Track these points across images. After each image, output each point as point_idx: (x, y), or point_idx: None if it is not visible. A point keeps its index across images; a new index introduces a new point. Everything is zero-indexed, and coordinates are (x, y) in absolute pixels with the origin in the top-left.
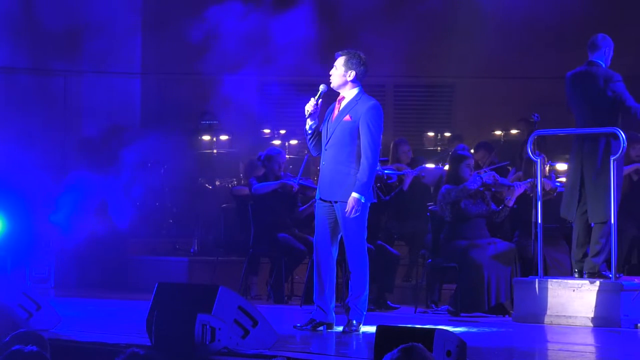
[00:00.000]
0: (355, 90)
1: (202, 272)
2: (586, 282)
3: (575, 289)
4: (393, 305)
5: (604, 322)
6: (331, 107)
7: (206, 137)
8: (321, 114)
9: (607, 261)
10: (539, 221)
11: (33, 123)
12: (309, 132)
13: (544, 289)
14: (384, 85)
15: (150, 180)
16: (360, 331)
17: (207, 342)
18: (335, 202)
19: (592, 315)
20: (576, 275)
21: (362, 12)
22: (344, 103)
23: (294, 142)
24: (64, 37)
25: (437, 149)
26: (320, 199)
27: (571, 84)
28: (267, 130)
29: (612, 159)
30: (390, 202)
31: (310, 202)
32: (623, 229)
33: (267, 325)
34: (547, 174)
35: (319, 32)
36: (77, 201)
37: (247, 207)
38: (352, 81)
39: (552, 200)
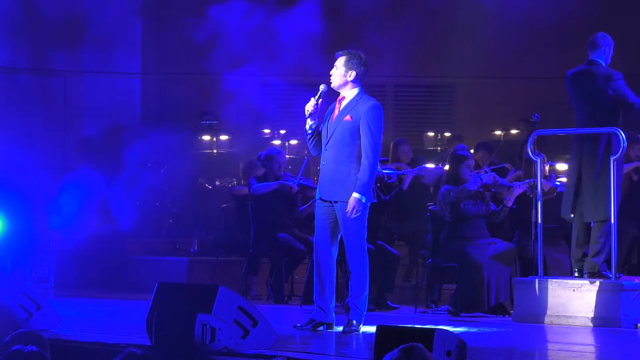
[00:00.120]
0: (355, 91)
1: (202, 272)
2: (586, 282)
3: (575, 289)
4: (393, 305)
5: (604, 322)
6: (331, 107)
7: (206, 137)
8: (321, 114)
9: (607, 261)
10: (539, 221)
11: (33, 123)
12: (309, 131)
13: (544, 289)
14: (384, 85)
15: (150, 180)
16: (360, 331)
17: (207, 342)
18: (336, 202)
19: (592, 315)
20: (576, 275)
21: (362, 12)
22: (344, 103)
23: (294, 142)
24: (64, 36)
25: (437, 149)
26: (320, 198)
27: (571, 83)
28: (267, 130)
29: (612, 159)
30: (390, 202)
31: (310, 202)
32: (623, 229)
33: (267, 325)
34: (547, 174)
35: (319, 31)
36: (76, 201)
37: (247, 207)
38: (352, 81)
39: (552, 200)
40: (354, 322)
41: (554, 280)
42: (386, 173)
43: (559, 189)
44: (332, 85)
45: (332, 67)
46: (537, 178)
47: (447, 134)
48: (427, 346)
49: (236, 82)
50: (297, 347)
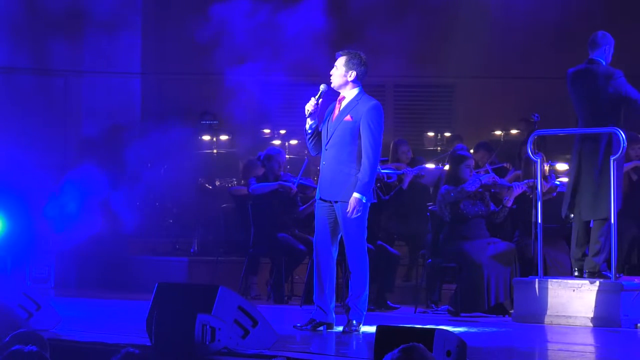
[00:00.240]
0: (355, 91)
1: (202, 272)
2: (586, 282)
3: (575, 289)
4: (393, 305)
5: (604, 322)
6: (331, 107)
7: (206, 137)
8: (321, 113)
9: (607, 261)
10: (539, 221)
11: (33, 123)
12: (309, 131)
13: (544, 289)
14: (384, 85)
15: (150, 180)
16: (360, 331)
17: (207, 342)
18: (336, 202)
19: (592, 315)
20: (576, 274)
21: (361, 13)
22: (344, 103)
23: (294, 142)
24: (64, 36)
25: (437, 149)
26: (321, 198)
27: (572, 81)
28: (267, 130)
29: (612, 158)
30: (390, 202)
31: (310, 202)
32: (623, 229)
33: (267, 325)
34: (547, 174)
35: (321, 29)
36: (76, 201)
37: (247, 207)
38: (352, 81)
39: (552, 200)
40: (354, 322)
41: (554, 280)
42: (386, 173)
43: (559, 189)
44: (332, 85)
45: (333, 65)
46: (536, 178)
47: (447, 134)
48: (427, 346)
49: (237, 80)
50: (297, 347)
